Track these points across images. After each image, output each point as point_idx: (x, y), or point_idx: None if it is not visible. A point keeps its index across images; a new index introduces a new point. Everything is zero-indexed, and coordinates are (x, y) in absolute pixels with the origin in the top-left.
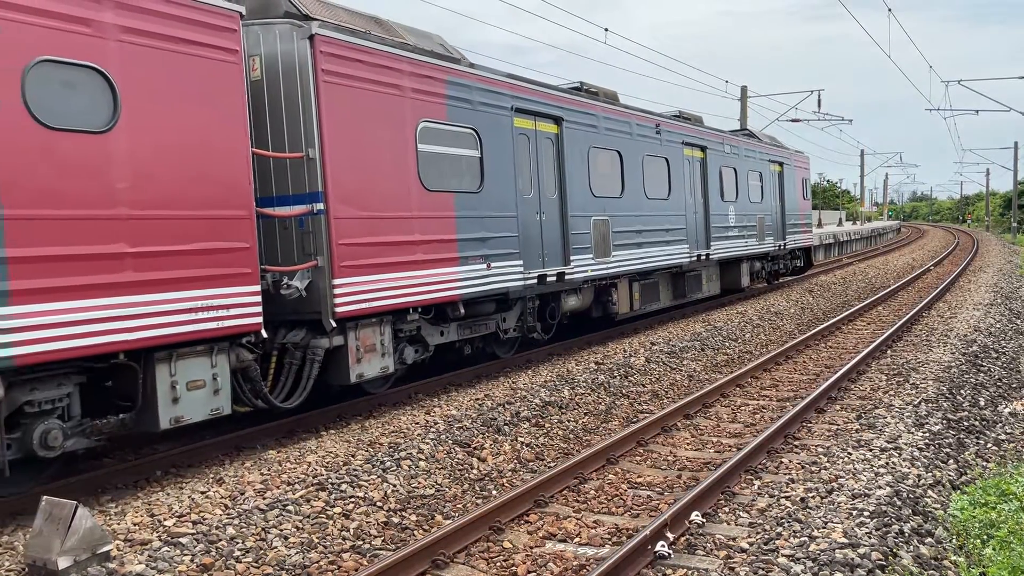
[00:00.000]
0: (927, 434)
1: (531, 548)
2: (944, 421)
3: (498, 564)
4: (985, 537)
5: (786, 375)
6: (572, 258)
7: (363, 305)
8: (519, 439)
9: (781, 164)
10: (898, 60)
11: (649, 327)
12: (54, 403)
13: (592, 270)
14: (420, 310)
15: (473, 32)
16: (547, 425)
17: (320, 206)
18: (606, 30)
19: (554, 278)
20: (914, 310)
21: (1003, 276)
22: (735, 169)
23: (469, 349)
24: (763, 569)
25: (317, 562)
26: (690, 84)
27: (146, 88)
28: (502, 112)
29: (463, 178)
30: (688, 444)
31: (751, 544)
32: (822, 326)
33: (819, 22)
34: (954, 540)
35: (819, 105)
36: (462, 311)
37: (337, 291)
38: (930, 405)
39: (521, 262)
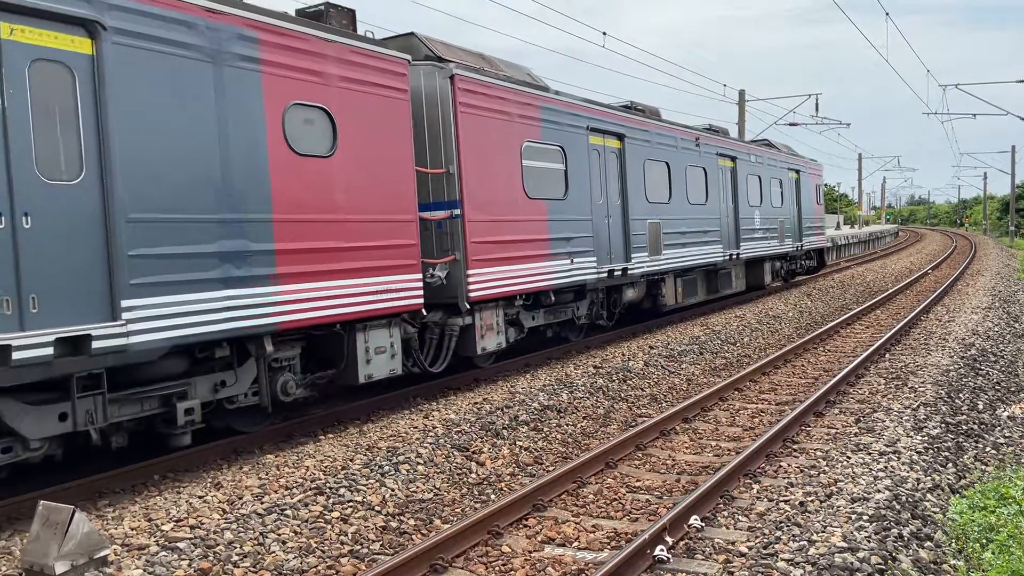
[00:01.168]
0: (926, 438)
1: (530, 552)
2: (943, 425)
3: (497, 568)
4: (984, 541)
5: (785, 379)
6: (632, 256)
7: (488, 291)
8: (518, 443)
9: (798, 172)
10: (896, 64)
11: (648, 331)
12: (288, 361)
13: (647, 266)
14: (522, 297)
15: (471, 36)
16: (546, 429)
17: (457, 211)
18: (604, 34)
19: (619, 272)
20: (912, 314)
21: (1001, 280)
22: (760, 177)
23: (550, 332)
24: (762, 573)
25: (315, 567)
26: (688, 88)
27: (352, 121)
28: (580, 131)
29: (553, 187)
30: (687, 448)
31: (750, 548)
32: (820, 330)
33: (817, 26)
34: (953, 544)
35: (817, 109)
36: (552, 299)
37: (470, 280)
38: (929, 409)
39: (595, 258)
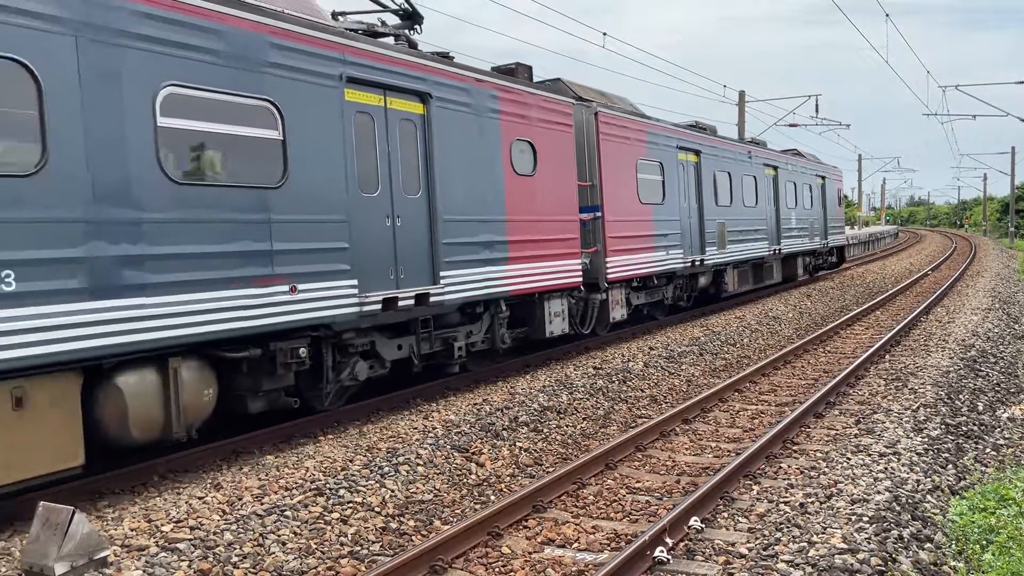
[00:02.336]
0: (926, 439)
1: (530, 554)
2: (943, 426)
3: (496, 570)
4: (984, 542)
5: (785, 380)
6: (707, 249)
7: (618, 275)
8: (517, 444)
9: (824, 178)
10: (896, 65)
11: (648, 332)
12: (504, 320)
13: (716, 258)
14: (633, 281)
15: (471, 37)
16: (545, 430)
17: (599, 213)
18: (604, 35)
19: (698, 262)
20: (912, 315)
21: (1001, 281)
22: (795, 183)
23: (646, 311)
24: (762, 574)
25: (315, 568)
26: (688, 88)
27: (544, 149)
28: (672, 149)
29: (655, 194)
30: (687, 449)
31: (750, 549)
32: (820, 331)
33: (817, 27)
34: (953, 545)
35: (817, 110)
36: (655, 282)
37: (608, 265)
38: (929, 410)
39: (682, 251)
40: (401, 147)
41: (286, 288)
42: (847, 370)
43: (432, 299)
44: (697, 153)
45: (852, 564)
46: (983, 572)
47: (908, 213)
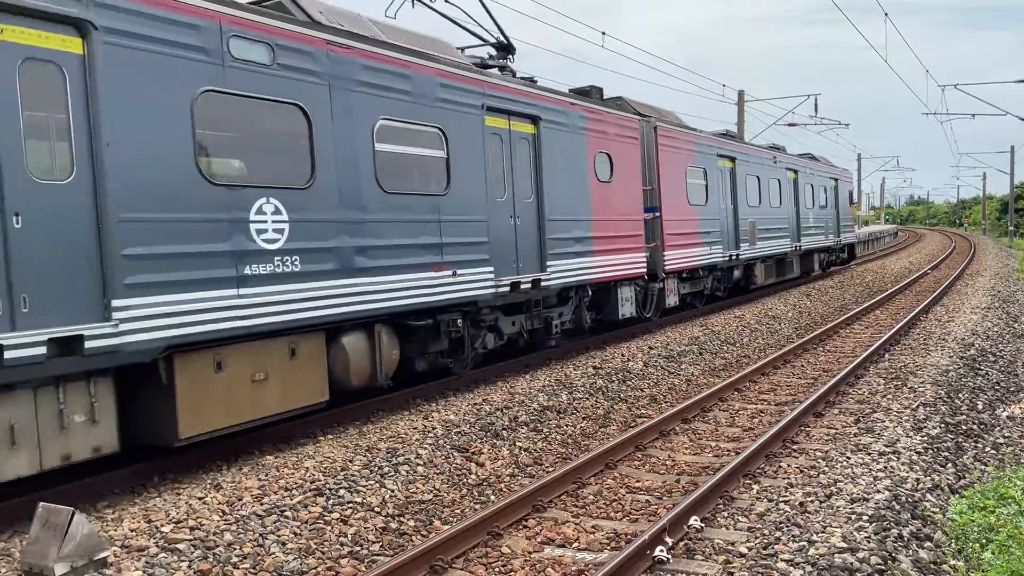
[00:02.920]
0: (925, 438)
1: (530, 553)
2: (942, 425)
3: (496, 569)
4: (984, 541)
5: (784, 379)
6: (740, 245)
7: (673, 267)
8: (517, 444)
9: (836, 180)
10: (895, 64)
11: (647, 331)
12: (584, 301)
13: (748, 253)
14: (683, 273)
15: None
16: (545, 430)
17: (658, 214)
18: (603, 34)
19: (734, 257)
20: (912, 314)
21: (1000, 280)
22: (812, 185)
23: (689, 299)
24: (762, 573)
25: (315, 568)
26: (687, 88)
27: (618, 159)
28: (713, 157)
29: (700, 196)
30: (687, 449)
31: (750, 549)
32: (820, 330)
33: (816, 27)
34: (953, 544)
35: (816, 109)
36: (700, 274)
37: (665, 258)
38: (928, 409)
39: (721, 247)
40: (520, 161)
41: (450, 273)
42: (847, 369)
43: (542, 284)
44: (732, 160)
45: (852, 563)
46: (983, 571)
47: (907, 212)
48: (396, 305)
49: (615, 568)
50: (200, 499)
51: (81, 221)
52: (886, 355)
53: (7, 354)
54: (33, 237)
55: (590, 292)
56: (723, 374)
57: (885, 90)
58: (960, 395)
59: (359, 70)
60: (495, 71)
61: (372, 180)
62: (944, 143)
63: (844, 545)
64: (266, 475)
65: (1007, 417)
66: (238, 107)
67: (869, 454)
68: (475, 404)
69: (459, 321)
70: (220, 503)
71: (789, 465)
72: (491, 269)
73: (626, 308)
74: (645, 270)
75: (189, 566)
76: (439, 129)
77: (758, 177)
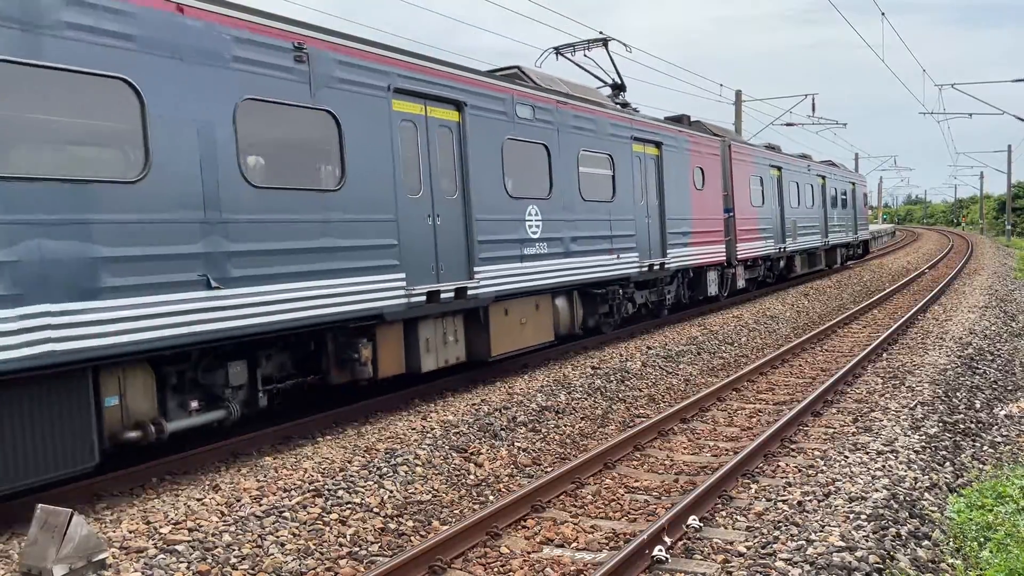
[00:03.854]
0: (923, 437)
1: (528, 553)
2: (940, 424)
3: (495, 570)
4: (982, 540)
5: (782, 379)
6: (786, 240)
7: (743, 256)
8: (516, 444)
9: (853, 184)
10: (892, 64)
11: (646, 331)
12: (683, 282)
13: (791, 247)
14: (748, 261)
15: (467, 38)
16: (544, 430)
17: (731, 213)
18: (601, 33)
19: (782, 249)
20: (909, 313)
21: (998, 279)
22: (836, 188)
23: (746, 285)
24: (761, 573)
25: (314, 569)
26: (685, 88)
27: (708, 171)
28: (767, 167)
29: (758, 199)
30: (685, 448)
31: (748, 548)
32: (818, 329)
33: (813, 26)
34: (951, 543)
35: (813, 109)
36: (758, 263)
37: (738, 249)
38: (926, 408)
39: (773, 240)
40: (648, 174)
41: (616, 256)
42: (845, 368)
43: (665, 266)
44: (779, 168)
45: (850, 562)
46: (981, 569)
47: (905, 212)
48: (586, 278)
49: (614, 568)
50: (199, 500)
51: (461, 220)
52: (884, 354)
53: (468, 293)
54: (651, 224)
55: (691, 274)
56: (721, 374)
57: (882, 90)
58: (958, 394)
59: (571, 118)
60: (615, 105)
61: (576, 192)
62: (941, 142)
63: (842, 544)
64: (265, 476)
65: (1005, 416)
66: (518, 148)
67: (867, 453)
68: (473, 404)
69: (621, 291)
70: (219, 504)
71: (787, 464)
72: (637, 255)
73: (712, 288)
74: (725, 258)
75: (188, 567)
76: (609, 155)
77: (797, 183)
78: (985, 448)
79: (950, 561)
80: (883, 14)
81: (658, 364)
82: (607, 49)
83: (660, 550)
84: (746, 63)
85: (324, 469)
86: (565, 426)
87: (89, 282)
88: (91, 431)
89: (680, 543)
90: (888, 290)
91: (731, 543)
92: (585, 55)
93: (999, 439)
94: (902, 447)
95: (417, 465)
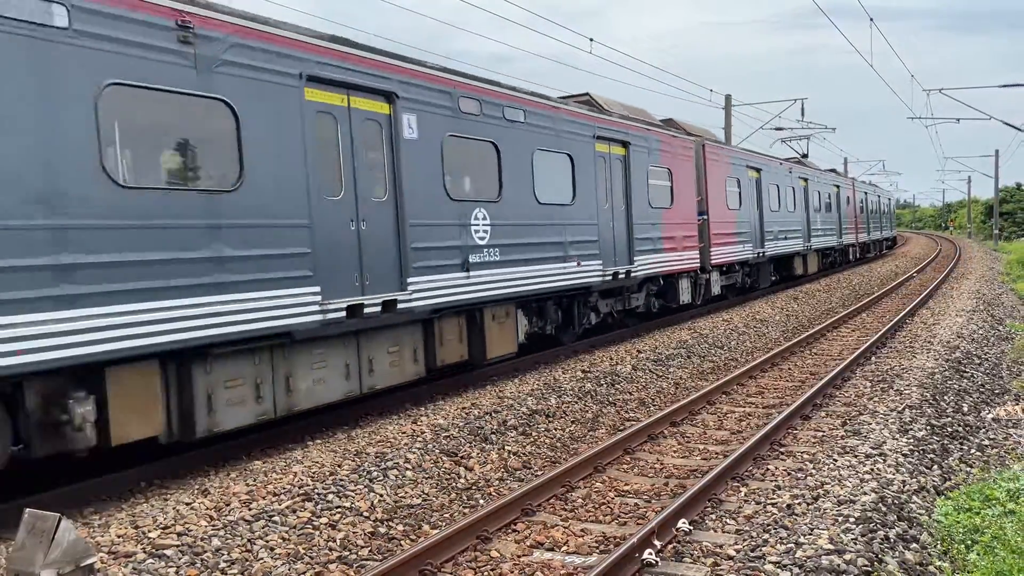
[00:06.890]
0: (911, 440)
1: (519, 557)
2: (928, 427)
3: (486, 573)
4: (969, 542)
5: (772, 382)
6: (766, 243)
7: (717, 261)
8: (506, 448)
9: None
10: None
11: (635, 335)
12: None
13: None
14: (723, 268)
15: (457, 42)
16: (534, 434)
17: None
18: (591, 40)
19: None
20: (898, 317)
21: (985, 283)
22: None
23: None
24: None
25: (303, 573)
26: (675, 93)
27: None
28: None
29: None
30: (675, 452)
31: (738, 551)
32: (807, 333)
33: (802, 31)
34: (939, 545)
35: (803, 114)
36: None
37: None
38: (914, 411)
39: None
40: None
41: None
42: (833, 372)
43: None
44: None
45: (839, 564)
46: (968, 572)
47: None
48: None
49: (604, 571)
50: (188, 504)
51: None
52: (873, 358)
53: (399, 306)
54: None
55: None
56: (711, 377)
57: (871, 95)
58: (946, 397)
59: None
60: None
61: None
62: (929, 147)
63: (831, 547)
64: (254, 480)
65: (992, 419)
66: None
67: (856, 456)
68: (464, 408)
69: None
70: (208, 508)
71: (777, 468)
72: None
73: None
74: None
75: (177, 572)
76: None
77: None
78: (972, 451)
79: (938, 564)
80: (871, 19)
81: (648, 368)
82: None
83: (650, 553)
84: (735, 68)
85: (314, 473)
86: (555, 430)
87: None
88: None
89: (670, 546)
90: (877, 294)
91: (721, 546)
92: None
93: (986, 442)
94: (890, 450)
95: (407, 469)
